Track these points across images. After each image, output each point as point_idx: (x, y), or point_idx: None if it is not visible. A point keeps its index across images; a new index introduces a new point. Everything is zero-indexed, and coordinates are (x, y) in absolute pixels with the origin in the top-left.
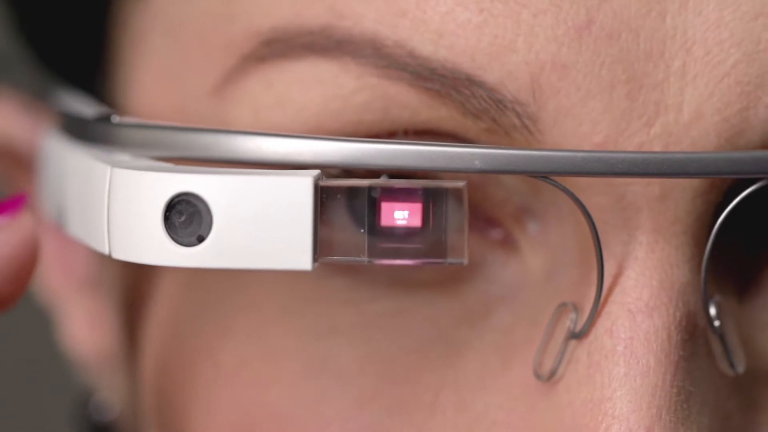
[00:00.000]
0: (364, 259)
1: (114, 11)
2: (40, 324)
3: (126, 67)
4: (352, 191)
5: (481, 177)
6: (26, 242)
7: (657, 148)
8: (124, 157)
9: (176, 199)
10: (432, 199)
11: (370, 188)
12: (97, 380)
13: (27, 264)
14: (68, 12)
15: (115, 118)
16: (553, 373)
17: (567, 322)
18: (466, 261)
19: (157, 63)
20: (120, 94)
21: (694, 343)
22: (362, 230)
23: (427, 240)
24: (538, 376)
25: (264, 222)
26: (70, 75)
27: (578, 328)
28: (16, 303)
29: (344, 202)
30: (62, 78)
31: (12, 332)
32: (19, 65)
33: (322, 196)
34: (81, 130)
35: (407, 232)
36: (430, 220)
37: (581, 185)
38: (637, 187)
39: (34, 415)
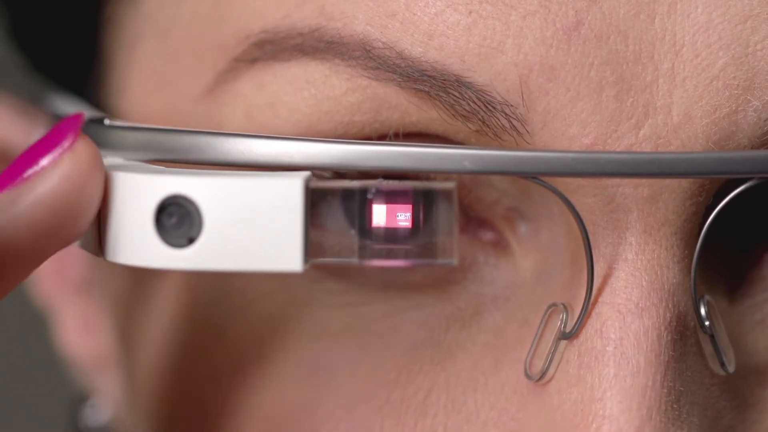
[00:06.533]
0: (355, 260)
1: (106, 16)
2: (36, 326)
3: (118, 70)
4: (342, 193)
5: (472, 179)
6: (95, 160)
7: (646, 150)
8: (116, 159)
9: (167, 201)
10: (422, 201)
11: (361, 190)
12: (90, 383)
13: (96, 186)
14: (61, 17)
15: (107, 121)
16: (543, 374)
17: (557, 323)
18: (455, 261)
19: (149, 66)
20: (113, 98)
21: (685, 344)
22: (353, 231)
23: (417, 241)
24: (528, 376)
25: (254, 224)
26: (63, 79)
27: (568, 328)
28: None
29: (335, 203)
30: (56, 82)
31: (8, 334)
32: (14, 70)
33: (313, 198)
34: None
35: (398, 234)
36: (421, 221)
37: (571, 187)
38: (626, 188)
39: (29, 417)
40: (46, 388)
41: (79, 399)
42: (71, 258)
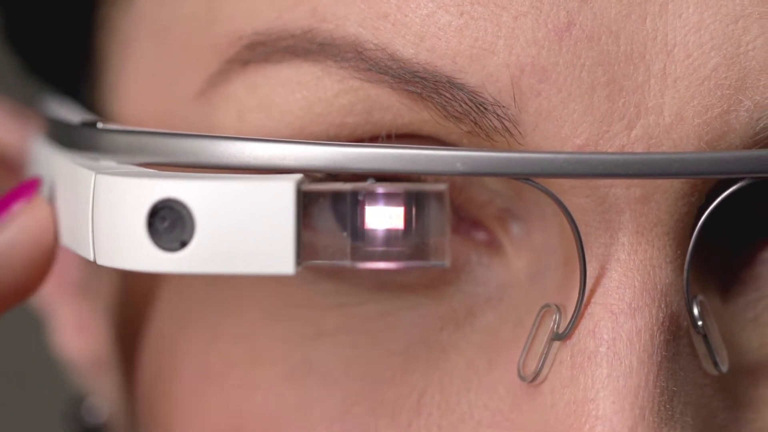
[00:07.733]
0: (347, 262)
1: (100, 17)
2: (33, 327)
3: (112, 72)
4: (334, 195)
5: (464, 180)
6: (45, 226)
7: (638, 151)
8: (109, 163)
9: (159, 205)
10: (414, 202)
11: (353, 192)
12: (87, 384)
13: (47, 249)
14: (55, 19)
15: (100, 125)
16: (537, 374)
17: (550, 324)
18: (448, 263)
19: (143, 68)
20: (107, 100)
21: (678, 344)
22: (345, 234)
23: (409, 243)
24: (522, 377)
25: (247, 227)
26: (57, 82)
27: (561, 329)
28: (37, 290)
29: (327, 205)
30: (50, 85)
31: (5, 335)
32: (8, 72)
33: (305, 200)
34: (67, 137)
35: (390, 235)
36: (413, 223)
37: (563, 187)
38: (619, 189)
39: (27, 417)
40: (43, 389)
41: (76, 399)
42: (68, 260)
